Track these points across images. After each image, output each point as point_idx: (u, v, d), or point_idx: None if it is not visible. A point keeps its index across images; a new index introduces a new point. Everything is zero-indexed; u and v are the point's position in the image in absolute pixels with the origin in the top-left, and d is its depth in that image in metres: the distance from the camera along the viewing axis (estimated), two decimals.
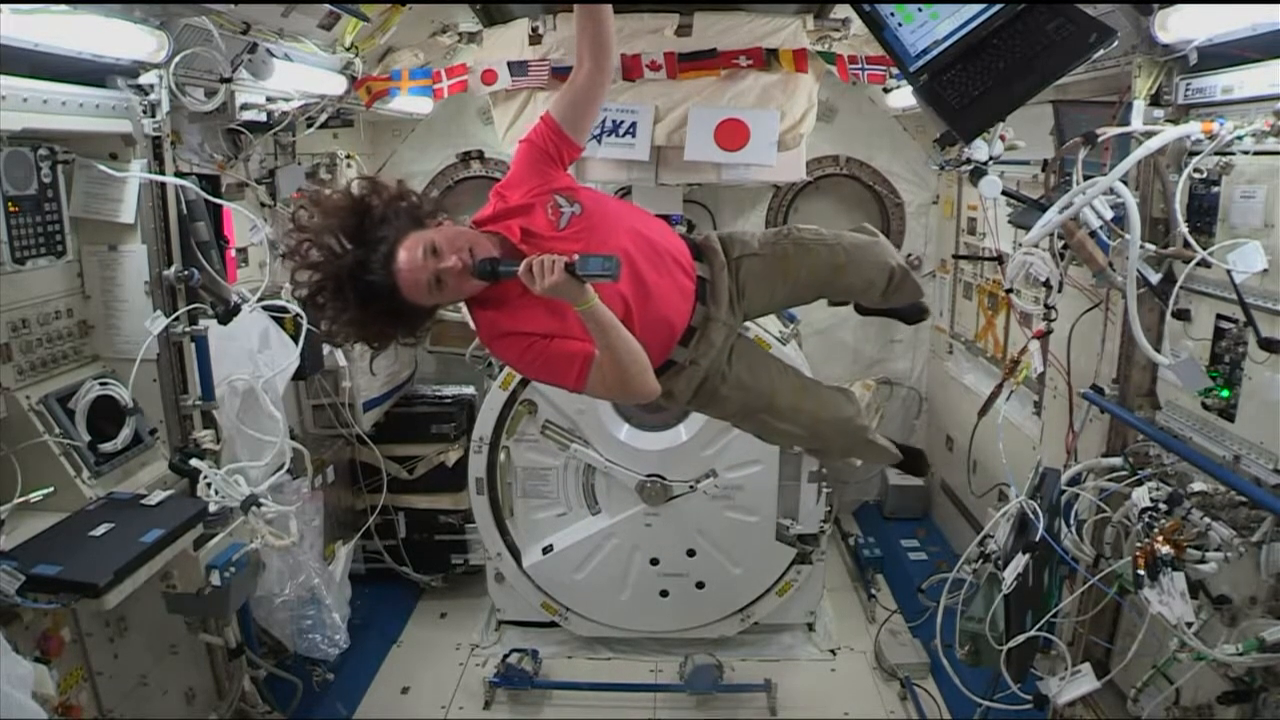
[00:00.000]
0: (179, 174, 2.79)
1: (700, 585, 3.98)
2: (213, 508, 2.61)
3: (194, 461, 2.74)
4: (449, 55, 4.09)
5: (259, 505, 2.71)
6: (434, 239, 1.94)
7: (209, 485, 2.69)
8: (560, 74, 3.55)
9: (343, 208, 1.97)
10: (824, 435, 2.65)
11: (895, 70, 3.40)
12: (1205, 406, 2.38)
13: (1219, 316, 2.33)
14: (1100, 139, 2.33)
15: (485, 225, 2.13)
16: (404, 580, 4.53)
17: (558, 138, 2.17)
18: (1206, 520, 2.16)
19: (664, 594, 4.00)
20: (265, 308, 3.18)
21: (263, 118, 3.24)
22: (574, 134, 2.18)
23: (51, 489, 2.29)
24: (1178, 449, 2.42)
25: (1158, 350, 2.31)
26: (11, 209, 2.41)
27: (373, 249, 1.93)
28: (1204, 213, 2.34)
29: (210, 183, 3.07)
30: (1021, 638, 2.52)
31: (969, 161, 2.16)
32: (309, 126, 3.73)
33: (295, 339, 3.24)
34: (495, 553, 4.03)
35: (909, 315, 3.00)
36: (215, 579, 2.64)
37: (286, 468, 2.98)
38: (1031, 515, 2.53)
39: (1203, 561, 2.12)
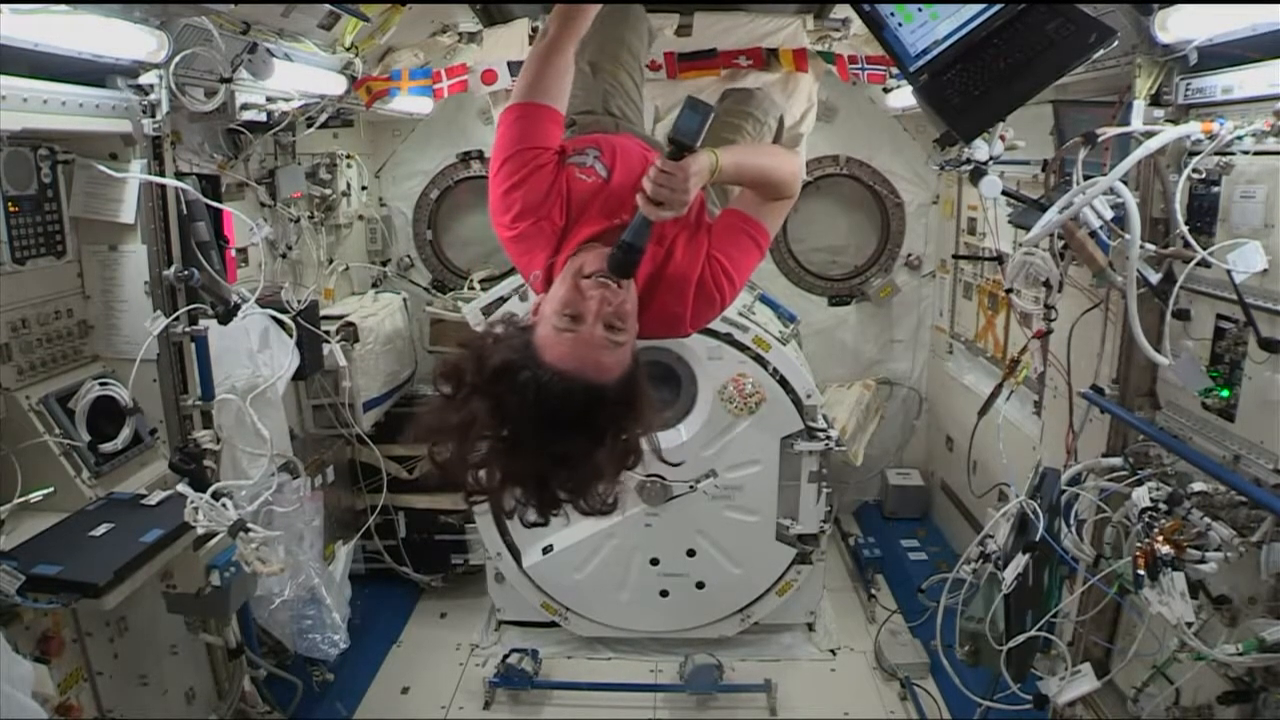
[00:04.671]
0: (179, 174, 2.79)
1: (700, 585, 3.98)
2: (200, 531, 2.45)
3: (180, 488, 2.50)
4: (449, 55, 4.09)
5: (246, 531, 2.54)
6: (558, 311, 1.58)
7: (195, 510, 2.44)
8: None
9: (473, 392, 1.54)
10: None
11: (895, 70, 3.40)
12: (1205, 406, 2.38)
13: (1219, 316, 2.33)
14: (1100, 139, 2.33)
15: (560, 262, 1.74)
16: (404, 580, 4.53)
17: (540, 115, 1.79)
18: (1206, 520, 2.16)
19: (664, 594, 4.00)
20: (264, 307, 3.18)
21: (263, 118, 3.24)
22: (556, 103, 1.83)
23: (51, 489, 2.30)
24: (1178, 449, 2.42)
25: (1158, 350, 2.31)
26: (11, 209, 2.42)
27: (532, 383, 1.50)
28: (1204, 213, 2.34)
29: (210, 183, 3.07)
30: (1021, 638, 2.53)
31: (969, 161, 2.16)
32: (309, 126, 3.73)
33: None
34: (495, 553, 4.02)
35: None
36: (215, 579, 2.64)
37: (274, 491, 2.93)
38: (1031, 515, 2.53)
39: (1203, 561, 2.11)
